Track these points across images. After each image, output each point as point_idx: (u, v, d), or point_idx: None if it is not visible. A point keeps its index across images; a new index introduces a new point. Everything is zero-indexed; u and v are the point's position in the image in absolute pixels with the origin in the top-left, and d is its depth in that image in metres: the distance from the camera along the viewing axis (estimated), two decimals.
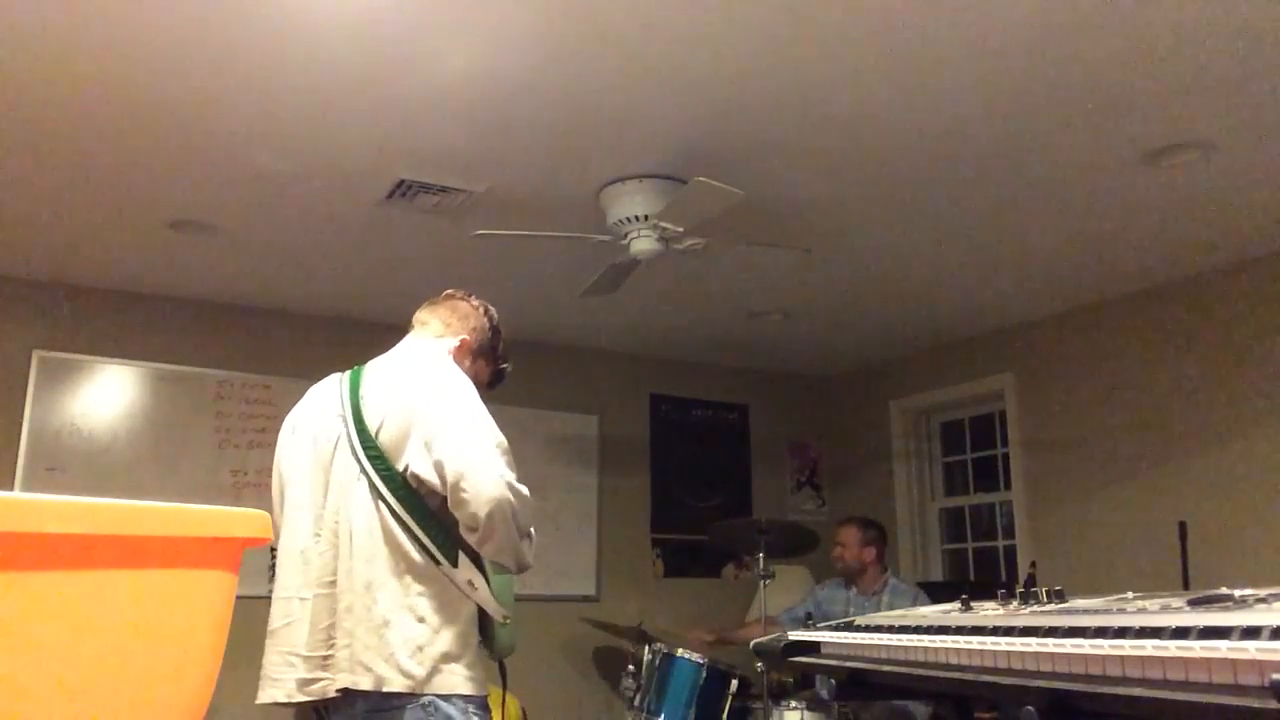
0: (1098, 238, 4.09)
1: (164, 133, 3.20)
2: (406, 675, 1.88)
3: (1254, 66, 2.80)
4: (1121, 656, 1.11)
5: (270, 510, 2.12)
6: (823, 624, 1.93)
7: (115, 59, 2.77)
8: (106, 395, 4.68)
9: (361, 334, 5.06)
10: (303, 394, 2.27)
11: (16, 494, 0.64)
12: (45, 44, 2.69)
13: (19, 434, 4.47)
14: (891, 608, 4.14)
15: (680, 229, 3.48)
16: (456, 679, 1.92)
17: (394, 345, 2.28)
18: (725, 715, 3.78)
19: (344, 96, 2.99)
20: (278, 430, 2.24)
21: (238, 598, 0.92)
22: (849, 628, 1.78)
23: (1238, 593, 1.28)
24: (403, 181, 3.55)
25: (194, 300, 4.90)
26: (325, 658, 1.96)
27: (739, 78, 2.89)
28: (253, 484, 4.79)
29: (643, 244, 3.53)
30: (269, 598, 2.08)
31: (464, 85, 2.93)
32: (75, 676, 0.67)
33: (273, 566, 4.00)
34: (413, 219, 3.90)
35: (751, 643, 2.10)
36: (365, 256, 4.34)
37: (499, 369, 2.39)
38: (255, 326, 5.03)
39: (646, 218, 3.49)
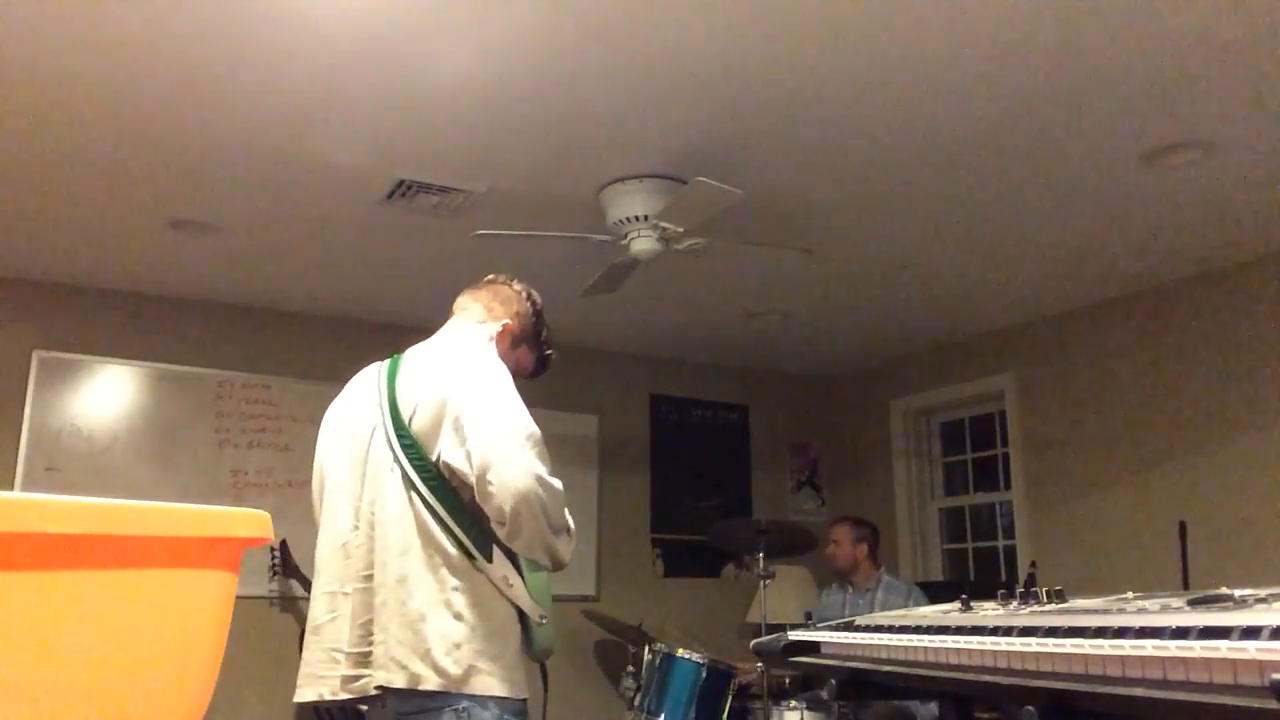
0: (1098, 238, 4.09)
1: (164, 133, 3.20)
2: (442, 674, 1.82)
3: (1254, 66, 2.80)
4: (1121, 656, 1.11)
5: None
6: (822, 624, 1.93)
7: (115, 59, 2.77)
8: (106, 395, 4.67)
9: (361, 334, 5.06)
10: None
11: (16, 494, 0.64)
12: (46, 44, 2.69)
13: (19, 434, 4.47)
14: (885, 604, 4.20)
15: (680, 229, 3.48)
16: (493, 680, 1.84)
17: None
18: (725, 715, 3.77)
19: (344, 96, 2.99)
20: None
21: (237, 598, 0.92)
22: (849, 628, 1.78)
23: (1238, 593, 1.28)
24: (403, 181, 3.55)
25: (194, 300, 4.90)
26: (365, 654, 1.91)
27: (739, 78, 2.89)
28: (253, 484, 4.78)
29: (643, 244, 3.53)
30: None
31: (464, 85, 2.93)
32: (75, 677, 0.67)
33: (274, 566, 3.99)
34: (413, 219, 3.89)
35: (751, 643, 2.10)
36: (365, 256, 4.34)
37: (543, 355, 2.32)
38: (255, 326, 5.02)
39: (646, 218, 3.49)
